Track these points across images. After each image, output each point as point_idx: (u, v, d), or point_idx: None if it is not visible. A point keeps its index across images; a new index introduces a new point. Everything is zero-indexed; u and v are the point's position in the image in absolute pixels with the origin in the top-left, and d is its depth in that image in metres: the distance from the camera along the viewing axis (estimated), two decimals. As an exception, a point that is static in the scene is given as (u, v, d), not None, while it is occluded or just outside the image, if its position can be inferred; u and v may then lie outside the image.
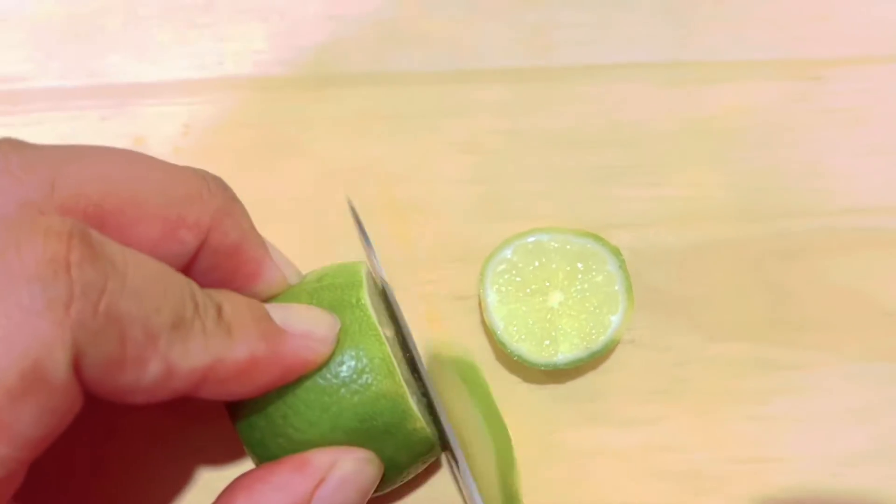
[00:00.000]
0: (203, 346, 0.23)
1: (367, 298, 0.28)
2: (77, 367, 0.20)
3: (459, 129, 0.39)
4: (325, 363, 0.27)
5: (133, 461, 0.32)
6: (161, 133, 0.39)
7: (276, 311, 0.26)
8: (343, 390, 0.26)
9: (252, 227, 0.28)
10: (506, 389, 0.35)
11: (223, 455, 0.28)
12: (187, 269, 0.26)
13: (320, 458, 0.26)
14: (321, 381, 0.26)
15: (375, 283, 0.31)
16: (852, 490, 0.34)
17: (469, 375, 0.31)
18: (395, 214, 0.38)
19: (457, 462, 0.28)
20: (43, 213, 0.23)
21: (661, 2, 0.42)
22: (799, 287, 0.37)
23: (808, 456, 0.34)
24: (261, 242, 0.28)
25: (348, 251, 0.36)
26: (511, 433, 0.34)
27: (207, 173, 0.27)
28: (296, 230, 0.37)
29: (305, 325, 0.26)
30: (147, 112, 0.39)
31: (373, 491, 0.27)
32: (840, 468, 0.34)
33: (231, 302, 0.25)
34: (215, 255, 0.26)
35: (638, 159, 0.39)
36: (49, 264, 0.19)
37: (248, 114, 0.39)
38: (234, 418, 0.28)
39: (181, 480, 0.32)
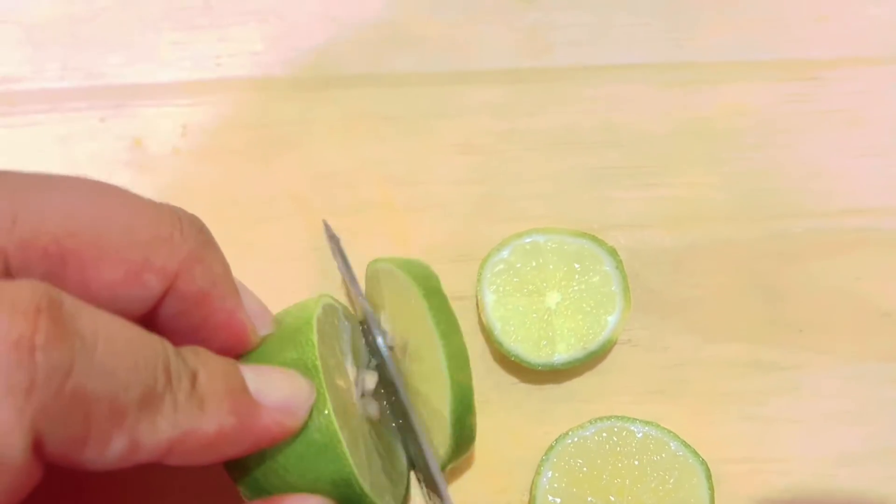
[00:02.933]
0: (172, 422, 0.22)
1: (319, 357, 0.26)
2: (37, 445, 0.19)
3: (457, 131, 0.39)
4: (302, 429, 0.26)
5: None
6: (159, 134, 0.39)
7: (252, 377, 0.25)
8: (319, 459, 0.26)
9: (226, 274, 0.26)
10: (503, 389, 0.35)
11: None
12: (153, 313, 0.25)
13: None
14: (298, 447, 0.26)
15: (343, 317, 0.31)
16: (847, 490, 0.34)
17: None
18: (392, 215, 0.38)
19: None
20: (9, 275, 0.22)
21: (658, 3, 0.42)
22: (795, 288, 0.37)
23: (803, 456, 0.34)
24: (233, 291, 0.26)
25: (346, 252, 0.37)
26: (508, 433, 0.34)
27: (184, 213, 0.25)
28: (293, 230, 0.37)
29: (281, 396, 0.25)
30: (145, 113, 0.39)
31: None
32: (835, 468, 0.34)
33: (207, 369, 0.23)
34: (183, 301, 0.25)
35: (635, 160, 0.39)
36: (13, 348, 0.18)
37: (247, 115, 0.39)
38: (227, 471, 0.27)
39: None
